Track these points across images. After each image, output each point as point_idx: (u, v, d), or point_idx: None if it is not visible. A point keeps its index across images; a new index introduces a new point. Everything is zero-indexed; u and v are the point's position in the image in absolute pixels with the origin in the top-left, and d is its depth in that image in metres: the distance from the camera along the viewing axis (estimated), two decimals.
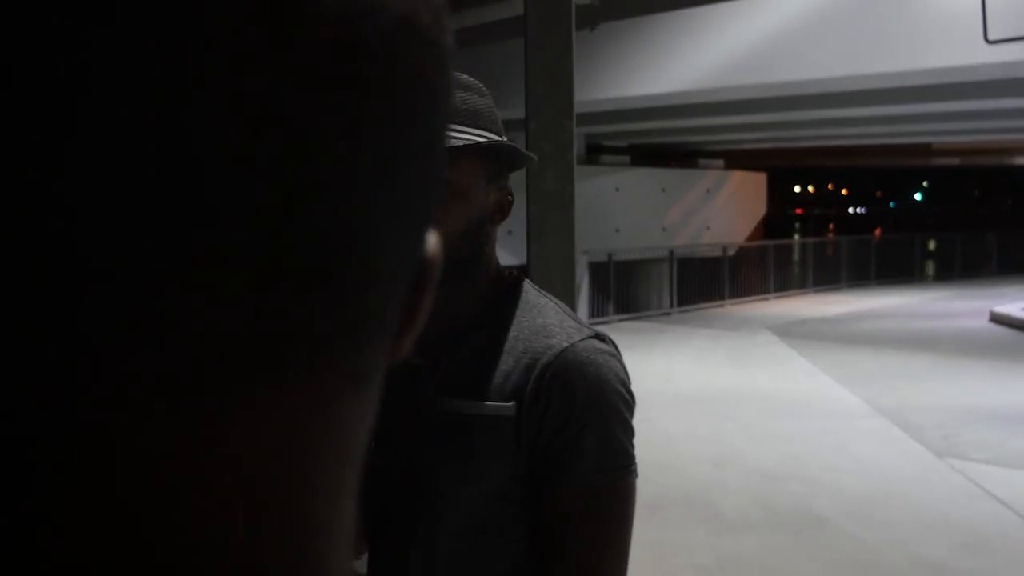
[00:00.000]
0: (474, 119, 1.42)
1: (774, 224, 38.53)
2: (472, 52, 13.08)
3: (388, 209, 0.30)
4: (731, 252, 19.08)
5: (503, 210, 1.48)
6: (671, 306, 17.56)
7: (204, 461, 0.27)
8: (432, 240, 0.36)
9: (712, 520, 5.88)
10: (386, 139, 0.29)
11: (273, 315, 0.27)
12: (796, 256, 21.77)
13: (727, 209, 21.74)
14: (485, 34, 12.84)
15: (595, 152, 20.27)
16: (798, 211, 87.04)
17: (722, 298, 18.32)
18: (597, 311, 15.98)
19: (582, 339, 1.39)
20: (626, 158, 20.86)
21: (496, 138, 1.43)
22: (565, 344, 1.38)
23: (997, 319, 15.06)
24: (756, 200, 23.05)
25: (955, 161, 31.98)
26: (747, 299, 18.85)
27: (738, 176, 22.50)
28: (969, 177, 74.85)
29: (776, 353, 12.52)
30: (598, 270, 16.09)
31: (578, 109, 13.41)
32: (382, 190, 0.29)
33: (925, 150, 27.60)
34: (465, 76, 1.47)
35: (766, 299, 19.16)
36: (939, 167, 40.21)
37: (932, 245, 27.29)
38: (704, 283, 18.27)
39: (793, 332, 14.29)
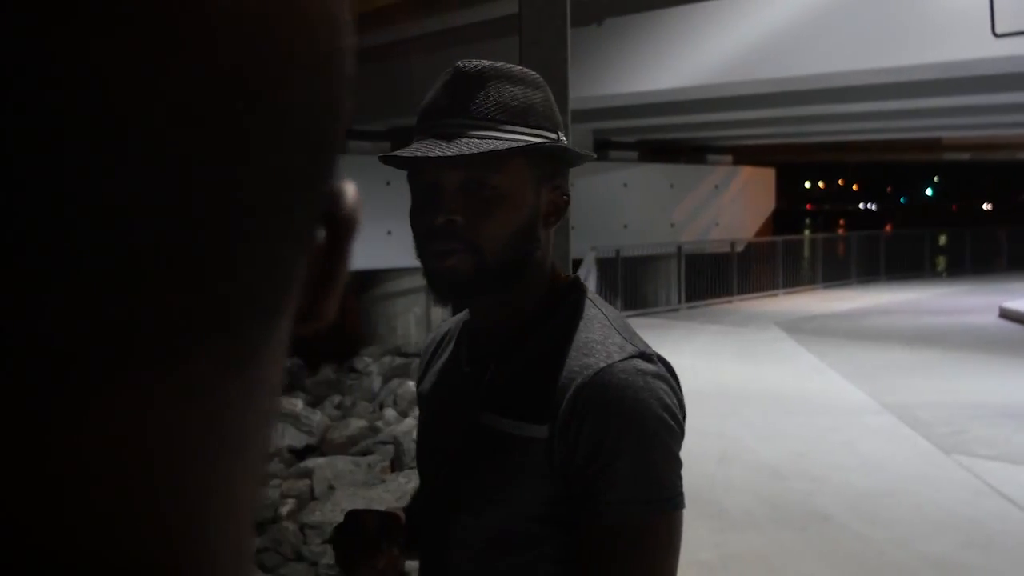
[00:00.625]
0: (523, 117, 1.34)
1: (784, 220, 38.46)
2: (467, 50, 13.05)
3: (255, 183, 0.28)
4: (740, 248, 19.04)
5: (558, 211, 1.41)
6: (679, 302, 17.53)
7: (70, 455, 0.27)
8: (349, 193, 0.35)
9: (716, 517, 5.85)
10: (244, 105, 0.27)
11: (121, 306, 0.26)
12: (806, 252, 21.71)
13: (736, 205, 21.69)
14: (480, 32, 12.83)
15: (603, 148, 20.23)
16: (808, 207, 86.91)
17: (730, 294, 18.29)
18: None
19: (623, 359, 1.29)
20: (634, 154, 20.82)
21: (549, 135, 1.36)
22: (602, 364, 1.28)
23: (1007, 315, 14.98)
24: (765, 196, 23.00)
25: (965, 156, 31.87)
26: (756, 295, 18.81)
27: (747, 172, 22.45)
28: (980, 172, 74.56)
29: (784, 349, 12.48)
30: (606, 266, 16.05)
31: (586, 105, 13.47)
32: (244, 163, 0.28)
33: (935, 145, 27.49)
34: (518, 68, 1.40)
35: (775, 295, 19.12)
36: (949, 162, 40.10)
37: (942, 240, 27.19)
38: (712, 279, 18.25)
39: (802, 328, 14.25)
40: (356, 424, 10.74)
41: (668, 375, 1.33)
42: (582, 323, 1.38)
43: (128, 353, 0.27)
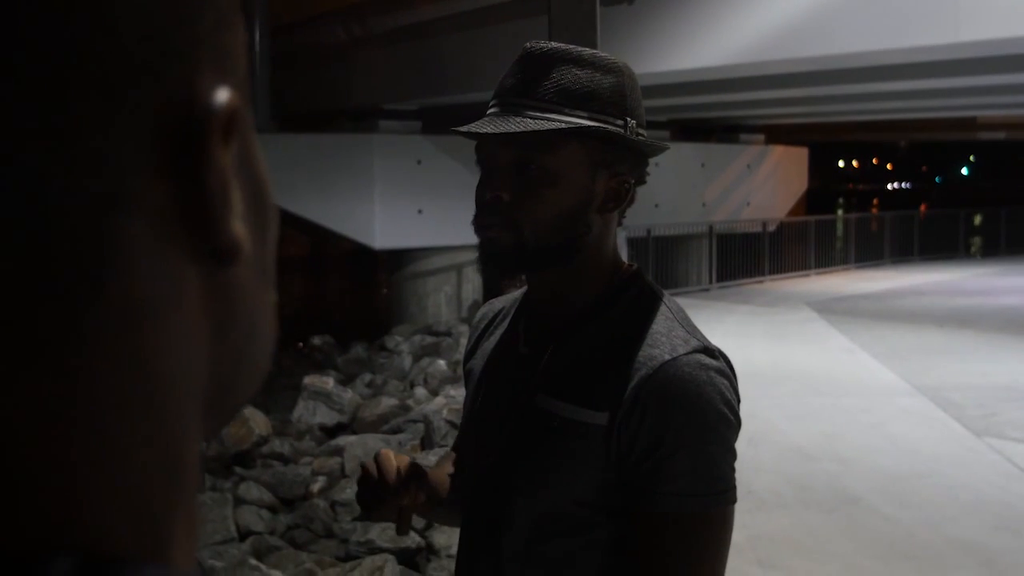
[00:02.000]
0: (584, 101, 1.35)
1: (817, 199, 38.19)
2: (497, 30, 13.03)
3: None
4: (771, 228, 18.92)
5: (617, 198, 1.41)
6: (710, 282, 17.48)
7: None
8: (218, 96, 0.33)
9: (745, 498, 5.81)
10: None
11: None
12: (839, 232, 21.55)
13: (768, 184, 21.54)
14: (510, 11, 12.79)
15: None
16: (849, 186, 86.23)
17: (762, 274, 18.20)
18: None
19: (687, 352, 1.30)
20: (666, 133, 20.72)
21: (614, 121, 1.37)
22: (667, 357, 1.30)
23: None
24: (797, 175, 22.82)
25: (1000, 135, 31.49)
26: (787, 275, 18.71)
27: (779, 151, 22.28)
28: (1017, 151, 73.61)
29: (815, 330, 12.42)
30: (637, 245, 16.02)
31: None
32: None
33: (970, 124, 27.20)
34: (591, 52, 1.41)
35: (807, 275, 19.01)
36: (985, 141, 39.68)
37: (977, 220, 26.90)
38: (744, 259, 18.16)
39: (833, 309, 14.17)
40: (387, 403, 10.79)
41: (728, 370, 1.35)
42: (645, 314, 1.39)
43: None
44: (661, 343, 1.32)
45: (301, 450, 9.28)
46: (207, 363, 0.35)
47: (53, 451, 0.29)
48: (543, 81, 1.35)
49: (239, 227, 0.33)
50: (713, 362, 1.32)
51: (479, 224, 1.38)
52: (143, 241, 0.31)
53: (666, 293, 1.47)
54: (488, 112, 1.38)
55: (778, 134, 23.73)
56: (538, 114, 1.33)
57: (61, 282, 0.29)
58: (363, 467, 1.52)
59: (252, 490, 7.79)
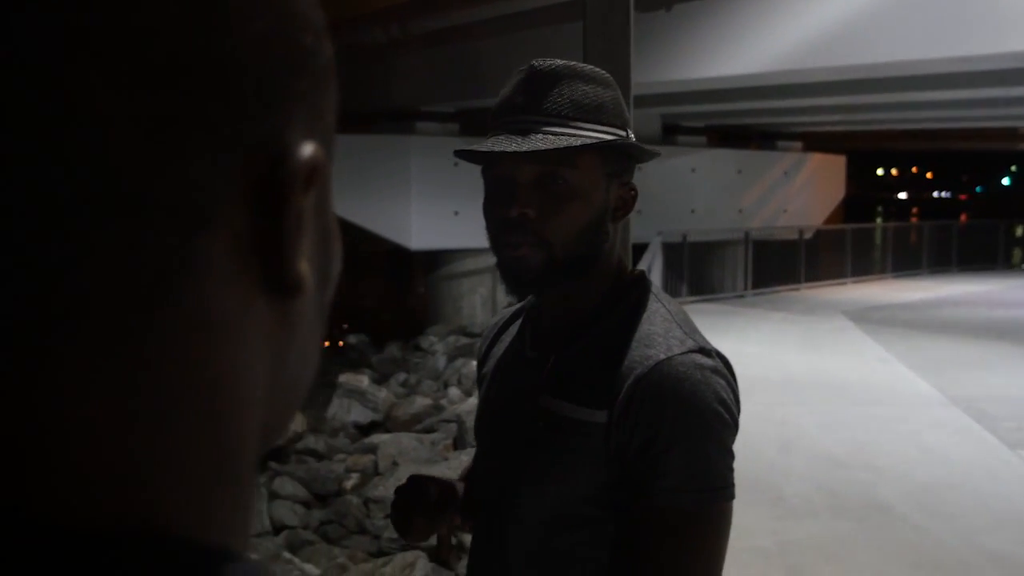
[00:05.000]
0: (595, 114, 1.39)
1: (856, 207, 37.89)
2: (534, 35, 13.08)
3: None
4: (808, 235, 18.83)
5: (626, 206, 1.46)
6: (745, 289, 17.42)
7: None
8: (303, 150, 0.38)
9: (775, 504, 5.87)
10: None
11: None
12: (876, 240, 21.42)
13: (805, 192, 21.45)
14: (546, 17, 12.84)
15: (672, 132, 20.13)
16: (886, 194, 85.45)
17: (797, 282, 18.11)
18: (670, 292, 15.81)
19: (682, 352, 1.34)
20: (703, 139, 20.69)
21: (619, 132, 1.41)
22: (662, 356, 1.33)
23: None
24: (835, 183, 22.70)
25: None
26: (823, 283, 18.60)
27: (816, 159, 22.18)
28: None
29: (850, 339, 12.36)
30: (672, 251, 16.01)
31: (654, 90, 13.34)
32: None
33: (1011, 134, 26.92)
34: (589, 67, 1.45)
35: (843, 284, 18.89)
36: None
37: (1019, 231, 26.61)
38: (780, 266, 18.08)
39: (869, 318, 14.09)
40: (420, 402, 10.88)
41: (725, 370, 1.37)
42: (645, 316, 1.42)
43: None
44: (658, 343, 1.36)
45: (335, 447, 9.39)
46: (265, 384, 0.40)
47: (120, 436, 0.33)
48: (556, 97, 1.38)
49: (304, 266, 0.38)
50: (708, 361, 1.34)
51: (506, 243, 1.40)
52: (222, 263, 0.35)
53: (669, 297, 1.50)
54: (496, 131, 1.40)
55: (816, 141, 23.60)
56: (558, 129, 1.36)
57: (145, 286, 0.33)
58: (396, 492, 1.58)
59: (286, 485, 7.90)
